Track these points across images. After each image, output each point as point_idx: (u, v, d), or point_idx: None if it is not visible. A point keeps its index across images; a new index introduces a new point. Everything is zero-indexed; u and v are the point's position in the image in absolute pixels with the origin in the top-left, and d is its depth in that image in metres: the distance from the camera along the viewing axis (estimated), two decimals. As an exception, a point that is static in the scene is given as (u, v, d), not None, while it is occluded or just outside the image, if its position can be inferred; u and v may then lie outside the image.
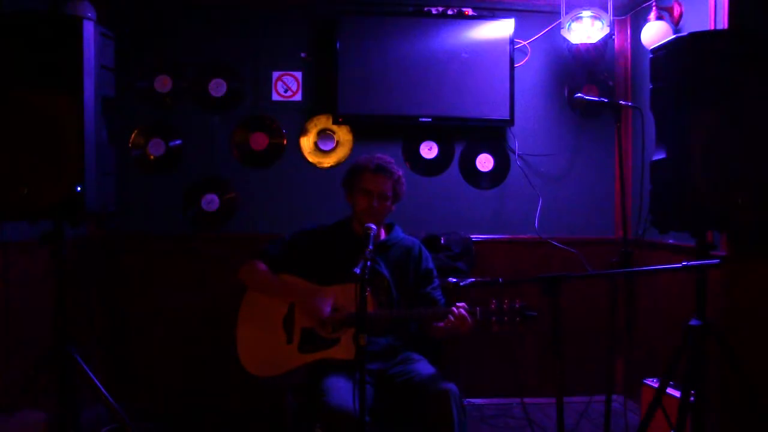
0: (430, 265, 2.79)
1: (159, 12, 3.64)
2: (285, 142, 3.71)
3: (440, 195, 3.78)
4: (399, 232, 2.81)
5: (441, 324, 2.47)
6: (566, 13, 3.62)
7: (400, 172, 2.73)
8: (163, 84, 3.64)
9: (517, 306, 2.37)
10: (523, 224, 3.80)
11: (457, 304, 2.43)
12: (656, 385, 2.81)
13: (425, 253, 2.81)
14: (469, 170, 3.81)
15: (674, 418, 2.28)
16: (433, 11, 3.64)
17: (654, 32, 3.28)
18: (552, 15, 3.72)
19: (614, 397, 3.58)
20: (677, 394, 2.46)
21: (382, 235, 2.76)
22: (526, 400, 3.45)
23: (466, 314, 2.38)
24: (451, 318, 2.40)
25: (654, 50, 2.38)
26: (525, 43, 3.76)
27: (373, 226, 2.35)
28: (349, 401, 2.15)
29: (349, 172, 2.74)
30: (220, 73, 3.67)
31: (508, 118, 3.68)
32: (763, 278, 2.69)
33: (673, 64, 2.26)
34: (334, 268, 2.58)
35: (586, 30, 3.61)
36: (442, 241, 3.44)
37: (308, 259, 2.68)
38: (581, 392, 3.47)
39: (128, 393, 3.49)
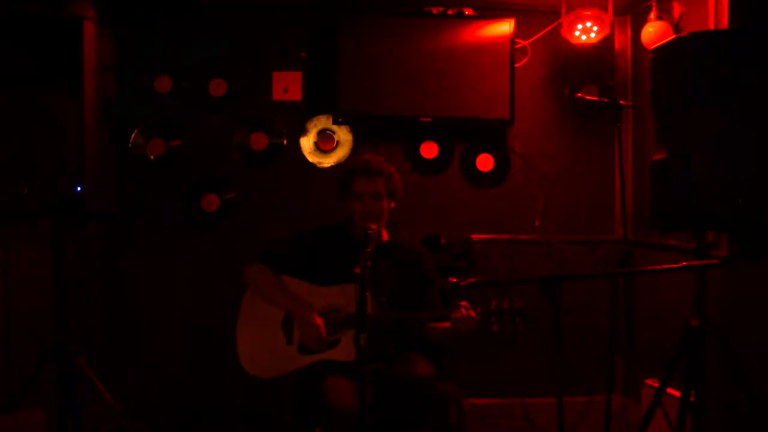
0: (430, 269, 2.79)
1: (159, 12, 3.64)
2: (285, 142, 3.71)
3: (440, 195, 3.78)
4: (403, 234, 2.81)
5: (443, 324, 2.47)
6: (566, 13, 3.61)
7: (391, 169, 2.70)
8: (163, 84, 3.64)
9: (517, 306, 2.37)
10: (523, 224, 3.79)
11: (460, 303, 2.42)
12: (656, 385, 2.81)
13: (427, 256, 2.81)
14: (469, 170, 3.80)
15: (674, 418, 2.28)
16: (433, 11, 3.64)
17: (654, 32, 3.28)
18: (552, 15, 3.71)
19: (614, 397, 3.58)
20: (677, 394, 2.46)
21: (385, 236, 2.76)
22: (526, 400, 3.45)
23: (472, 315, 2.38)
24: (456, 319, 2.39)
25: (654, 50, 2.38)
26: (525, 43, 3.76)
27: (374, 227, 2.35)
28: (350, 401, 2.15)
29: (340, 178, 2.73)
30: (220, 73, 3.67)
31: (508, 118, 3.68)
32: (763, 278, 2.69)
33: (673, 64, 2.26)
34: (334, 269, 2.58)
35: (586, 30, 3.61)
36: (442, 241, 3.44)
37: (309, 260, 2.68)
38: (581, 392, 3.47)
39: (128, 393, 3.49)
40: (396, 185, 2.70)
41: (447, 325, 2.48)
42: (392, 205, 2.72)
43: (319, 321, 2.51)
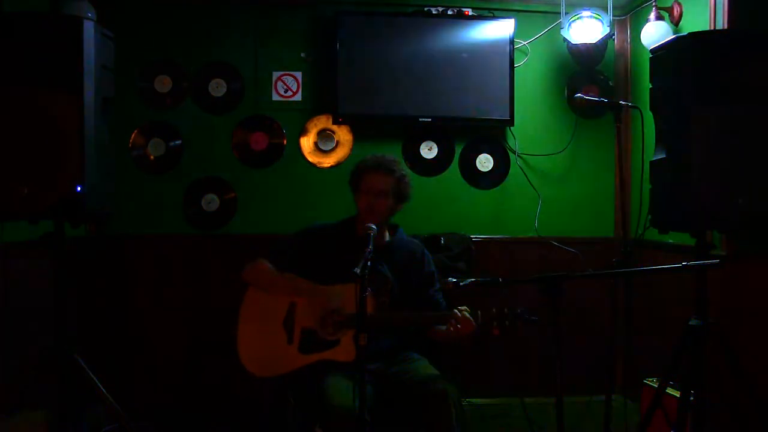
0: (433, 268, 2.80)
1: (159, 11, 3.64)
2: (285, 142, 3.71)
3: (440, 195, 3.78)
4: (403, 234, 2.82)
5: (443, 327, 2.47)
6: (566, 13, 3.62)
7: (404, 172, 2.73)
8: (163, 84, 3.64)
9: (518, 311, 2.37)
10: (523, 224, 3.80)
11: (459, 307, 2.42)
12: (656, 385, 2.81)
13: (428, 256, 2.82)
14: (469, 170, 3.81)
15: (674, 418, 2.28)
16: (433, 11, 3.64)
17: (654, 32, 3.28)
18: (552, 15, 3.72)
19: (614, 397, 3.58)
20: (677, 394, 2.46)
21: (386, 237, 2.76)
22: (526, 400, 3.44)
23: (469, 317, 2.38)
24: (454, 321, 2.39)
25: (654, 50, 2.38)
26: (525, 43, 3.76)
27: (374, 226, 2.35)
28: (349, 401, 2.15)
29: (353, 172, 2.76)
30: (220, 73, 3.67)
31: (508, 118, 3.68)
32: (763, 278, 2.69)
33: (673, 64, 2.26)
34: (335, 267, 2.57)
35: (586, 30, 3.61)
36: (442, 241, 3.44)
37: (311, 257, 2.68)
38: (581, 392, 3.46)
39: (128, 393, 3.49)
40: (405, 188, 2.72)
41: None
42: (399, 207, 2.73)
43: (323, 299, 2.56)
